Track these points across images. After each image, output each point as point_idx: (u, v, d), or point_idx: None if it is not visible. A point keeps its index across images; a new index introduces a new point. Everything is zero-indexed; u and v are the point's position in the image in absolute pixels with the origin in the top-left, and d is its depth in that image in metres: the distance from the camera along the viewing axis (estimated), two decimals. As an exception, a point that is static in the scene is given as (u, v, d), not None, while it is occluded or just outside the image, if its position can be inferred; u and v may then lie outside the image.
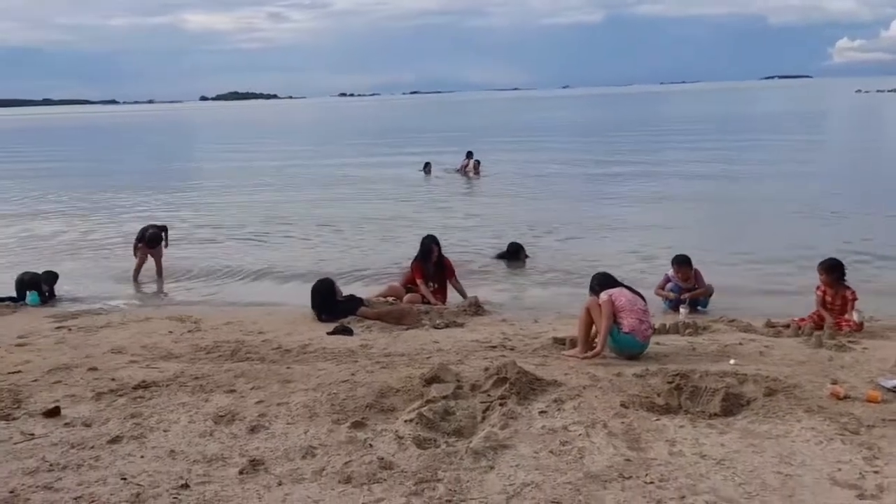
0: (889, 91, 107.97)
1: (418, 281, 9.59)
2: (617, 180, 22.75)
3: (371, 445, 4.55)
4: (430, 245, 9.74)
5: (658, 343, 7.20)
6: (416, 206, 18.73)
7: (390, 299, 9.14)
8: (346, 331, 7.93)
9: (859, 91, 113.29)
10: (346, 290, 9.78)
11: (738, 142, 35.64)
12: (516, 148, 36.87)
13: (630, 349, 6.63)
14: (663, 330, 7.72)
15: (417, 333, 7.85)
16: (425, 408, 5.01)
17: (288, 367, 6.34)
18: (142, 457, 4.51)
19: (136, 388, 5.78)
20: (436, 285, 9.69)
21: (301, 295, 9.38)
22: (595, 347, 6.60)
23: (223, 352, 7.04)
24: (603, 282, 7.10)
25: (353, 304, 8.67)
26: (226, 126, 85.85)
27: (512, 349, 7.06)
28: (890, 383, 5.41)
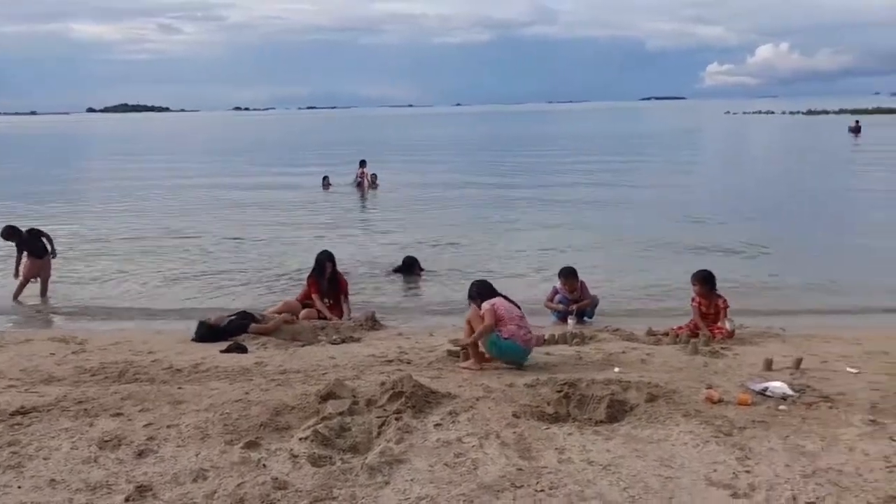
0: (754, 113, 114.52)
1: (314, 296, 9.47)
2: (510, 194, 23.25)
3: (265, 465, 4.42)
4: (324, 261, 9.64)
5: (547, 353, 7.36)
6: (314, 221, 18.50)
7: (285, 315, 8.95)
8: (240, 348, 7.72)
9: (728, 112, 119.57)
10: (239, 305, 9.55)
11: (623, 157, 37.10)
12: (412, 162, 37.07)
13: (513, 354, 6.74)
14: (552, 340, 7.90)
15: (313, 349, 7.73)
16: (321, 425, 4.93)
17: (179, 388, 6.10)
18: (19, 487, 4.23)
19: (13, 414, 5.41)
20: (331, 301, 9.59)
21: (195, 312, 9.09)
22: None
23: (110, 373, 6.72)
24: (481, 289, 7.19)
25: (244, 322, 8.44)
26: (114, 138, 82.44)
27: (408, 363, 7.06)
28: (758, 386, 5.70)
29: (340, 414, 5.13)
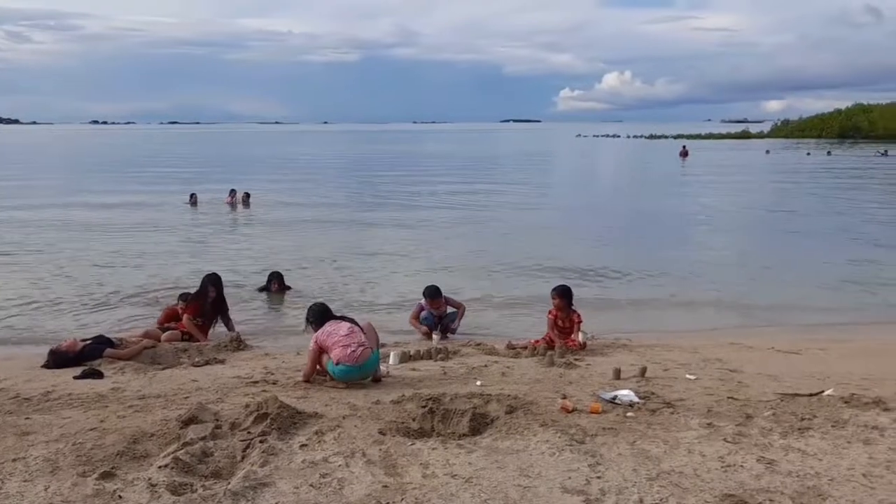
0: (602, 136, 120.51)
1: (186, 316, 9.02)
2: (377, 211, 23.24)
3: (121, 497, 4.14)
4: (207, 285, 9.26)
5: (413, 369, 7.36)
6: (179, 240, 17.71)
7: (146, 341, 8.46)
8: (96, 374, 7.24)
9: (579, 135, 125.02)
10: (100, 329, 8.99)
11: (484, 177, 37.95)
12: (281, 180, 36.31)
13: (349, 376, 6.58)
14: (417, 356, 7.90)
15: (175, 373, 7.36)
16: (181, 451, 4.68)
17: (27, 418, 5.63)
18: None
19: None
20: (202, 321, 9.16)
21: (48, 337, 8.46)
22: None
23: (-51, 405, 6.11)
24: (317, 314, 7.07)
25: (100, 346, 7.92)
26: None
27: (274, 383, 6.84)
28: (608, 395, 5.93)
29: (202, 439, 4.90)
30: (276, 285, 11.87)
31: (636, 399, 5.85)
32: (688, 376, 6.86)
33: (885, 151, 56.49)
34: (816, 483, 4.27)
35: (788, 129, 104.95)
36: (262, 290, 11.94)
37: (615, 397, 5.87)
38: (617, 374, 6.78)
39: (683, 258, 15.13)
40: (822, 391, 6.22)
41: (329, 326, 6.83)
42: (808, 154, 59.11)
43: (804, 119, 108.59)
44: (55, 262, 14.41)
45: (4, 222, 20.40)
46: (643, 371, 6.87)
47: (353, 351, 6.57)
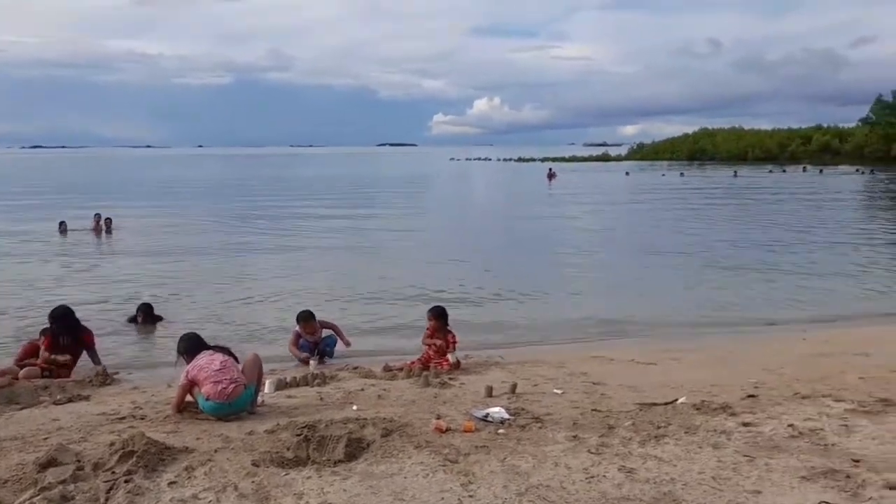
0: (475, 159, 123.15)
1: (43, 350, 8.38)
2: (252, 236, 22.66)
3: (-31, 552, 3.79)
4: (58, 317, 8.61)
5: (289, 396, 7.18)
6: (46, 269, 16.57)
7: (2, 379, 7.79)
8: (-56, 418, 6.60)
9: (453, 159, 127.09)
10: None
11: (362, 201, 37.80)
12: (150, 205, 34.75)
13: (219, 412, 6.30)
14: (294, 383, 7.71)
15: (34, 412, 6.82)
16: (38, 497, 4.35)
17: None
18: None
19: None
20: (68, 357, 8.54)
21: None
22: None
23: None
24: (189, 344, 6.80)
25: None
26: None
27: (143, 418, 6.47)
28: (480, 413, 6.00)
29: (62, 482, 4.57)
30: (141, 317, 11.28)
31: (507, 416, 5.95)
32: (555, 391, 7.06)
33: (735, 173, 60.86)
34: (671, 489, 4.47)
35: (643, 152, 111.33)
36: (130, 320, 11.34)
37: (487, 415, 5.94)
38: (489, 391, 6.88)
39: (553, 276, 15.64)
40: (676, 399, 6.55)
41: (202, 359, 6.54)
42: (663, 175, 62.70)
43: (657, 142, 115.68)
44: None
45: None
46: (514, 388, 7.00)
47: (225, 388, 6.29)
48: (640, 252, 19.52)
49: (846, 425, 5.68)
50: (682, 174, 63.02)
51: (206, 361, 6.51)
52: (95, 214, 23.45)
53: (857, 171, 65.42)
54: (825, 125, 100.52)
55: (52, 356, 8.41)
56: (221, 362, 6.52)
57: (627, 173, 66.12)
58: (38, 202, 36.21)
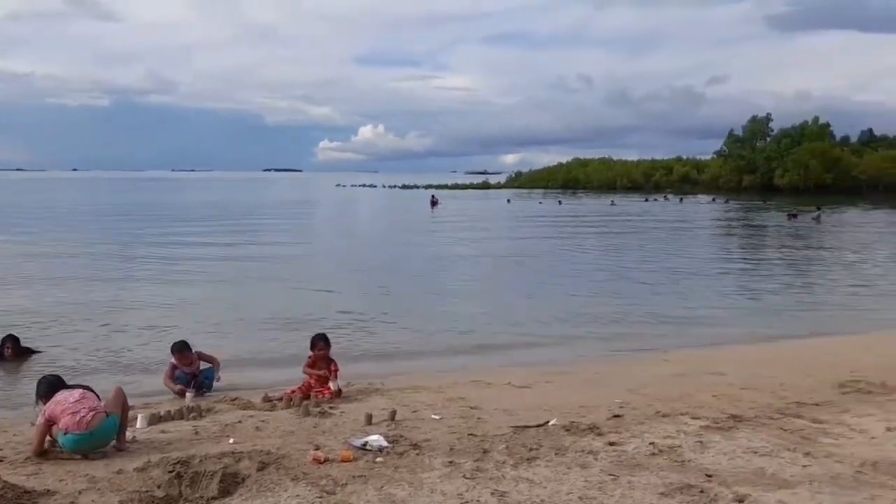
0: (360, 185, 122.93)
1: None
2: (129, 264, 21.58)
3: None
4: None
5: (163, 431, 6.84)
6: None
7: None
8: None
9: (339, 185, 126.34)
10: None
11: (244, 228, 36.79)
12: (19, 231, 32.46)
13: (79, 445, 5.96)
14: (168, 417, 7.35)
15: None
16: None
17: None
18: None
19: None
20: None
21: None
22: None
23: None
24: (47, 386, 6.38)
25: None
26: None
27: (1, 460, 5.97)
28: (359, 442, 5.93)
29: None
30: (9, 349, 10.45)
31: (385, 443, 5.90)
32: (433, 416, 7.08)
33: (613, 202, 63.67)
34: (541, 510, 4.56)
35: (521, 181, 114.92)
36: None
37: (366, 443, 5.88)
38: (368, 419, 6.81)
39: (435, 302, 15.78)
40: (548, 421, 6.72)
41: (60, 395, 6.16)
42: (540, 203, 64.82)
43: (534, 171, 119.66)
44: None
45: None
46: (393, 414, 6.97)
47: (83, 417, 5.94)
48: (523, 277, 20.02)
49: (701, 441, 6.00)
50: (559, 202, 65.33)
51: (63, 397, 6.15)
52: None
53: (713, 199, 70.13)
54: (685, 157, 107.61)
55: None
56: (80, 394, 6.20)
57: (509, 200, 67.98)
58: None
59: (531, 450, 5.76)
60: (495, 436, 6.26)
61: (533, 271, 21.19)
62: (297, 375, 8.93)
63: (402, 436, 6.25)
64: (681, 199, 71.13)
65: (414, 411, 7.35)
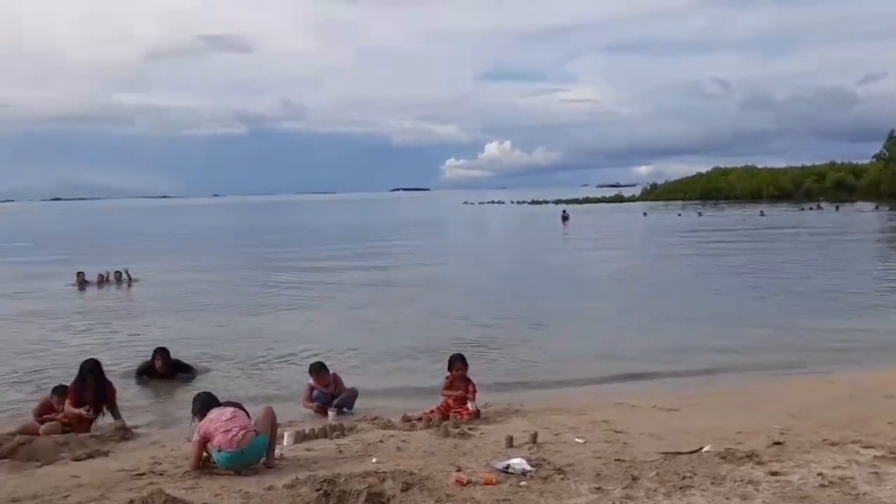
0: (489, 202, 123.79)
1: (69, 404, 8.42)
2: (270, 287, 22.74)
3: None
4: (84, 373, 8.67)
5: (308, 449, 7.13)
6: (65, 323, 16.66)
7: (21, 437, 7.78)
8: (-35, 476, 6.60)
9: (467, 202, 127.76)
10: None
11: (383, 245, 37.95)
12: (169, 256, 35.11)
13: (233, 462, 6.32)
14: (312, 435, 7.66)
15: (54, 469, 6.80)
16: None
17: None
18: None
19: None
20: (90, 410, 8.55)
21: None
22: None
23: None
24: (202, 403, 6.88)
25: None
26: None
27: (161, 474, 6.44)
28: (501, 465, 5.92)
29: (82, 544, 4.55)
30: (160, 361, 11.25)
31: (528, 467, 5.86)
32: (577, 440, 6.96)
33: (762, 212, 60.54)
34: (699, 542, 4.37)
35: (657, 192, 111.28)
36: (142, 370, 11.27)
37: (508, 466, 5.86)
38: (509, 441, 6.79)
39: (573, 321, 15.60)
40: (701, 448, 6.44)
41: (213, 413, 6.60)
42: (679, 215, 62.55)
43: (670, 182, 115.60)
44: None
45: None
46: (534, 437, 6.91)
47: (235, 435, 6.31)
48: (662, 294, 19.38)
49: (876, 473, 5.56)
50: (700, 214, 62.82)
51: (217, 415, 6.57)
52: (116, 272, 23.65)
53: (876, 207, 65.04)
54: (839, 161, 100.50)
55: (79, 409, 8.41)
56: (232, 412, 6.59)
57: (645, 213, 66.07)
58: (56, 255, 36.56)
59: (684, 478, 5.54)
60: (644, 462, 6.08)
61: (676, 290, 20.36)
62: (435, 395, 9.07)
63: (544, 459, 6.18)
64: (837, 208, 66.50)
65: (555, 434, 7.26)
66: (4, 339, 14.58)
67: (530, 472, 5.79)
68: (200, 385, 10.66)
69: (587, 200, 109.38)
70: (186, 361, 11.64)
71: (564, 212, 61.28)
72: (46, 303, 19.97)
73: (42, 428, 8.15)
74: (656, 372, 11.23)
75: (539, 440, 6.89)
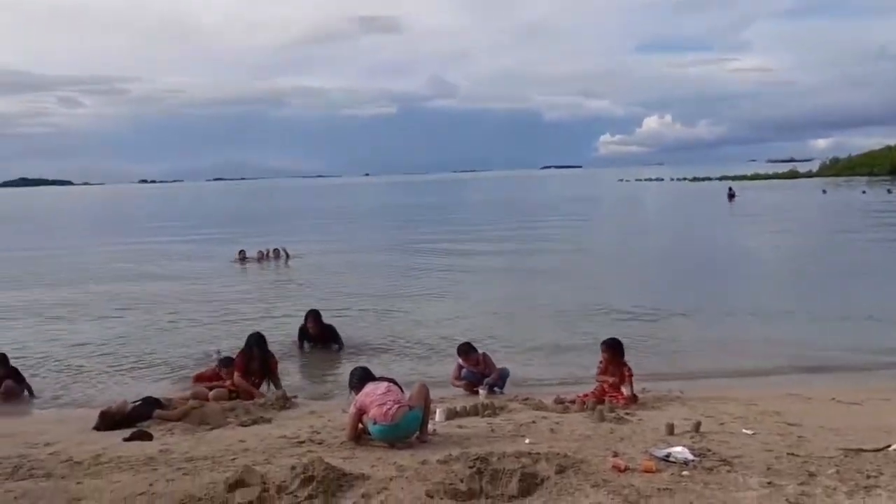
0: (645, 180, 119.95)
1: (237, 374, 9.15)
2: (422, 261, 23.43)
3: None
4: (251, 345, 9.41)
5: (460, 426, 7.29)
6: (227, 297, 17.95)
7: (193, 402, 8.54)
8: (145, 435, 7.32)
9: (622, 180, 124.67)
10: (144, 391, 9.13)
11: (532, 224, 37.88)
12: (325, 232, 36.89)
13: (385, 435, 6.58)
14: (464, 413, 7.82)
15: (222, 433, 7.40)
16: (229, 516, 4.69)
17: (78, 483, 5.69)
18: None
19: None
20: (256, 380, 9.28)
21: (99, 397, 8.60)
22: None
23: (2, 470, 6.21)
24: (358, 377, 7.18)
25: (148, 408, 8.03)
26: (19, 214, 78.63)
27: (320, 443, 6.82)
28: (661, 452, 5.78)
29: (249, 503, 4.91)
30: (311, 322, 11.86)
31: (691, 456, 5.69)
32: (745, 431, 6.67)
33: None
34: (887, 547, 4.08)
35: (838, 168, 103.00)
36: (300, 334, 11.96)
37: (669, 455, 5.71)
38: (670, 429, 6.62)
39: (740, 304, 14.86)
40: (888, 446, 5.97)
41: (368, 387, 6.90)
42: (864, 192, 57.55)
43: (854, 156, 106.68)
44: (105, 324, 14.71)
45: (61, 285, 21.00)
46: (697, 426, 6.69)
47: (389, 409, 6.57)
48: (841, 279, 18.07)
49: None
50: (889, 191, 57.38)
51: (372, 388, 6.87)
52: (275, 249, 25.12)
53: None
54: None
55: (246, 379, 9.12)
56: (386, 387, 6.86)
57: (824, 191, 61.42)
58: (219, 232, 39.37)
59: (869, 477, 5.17)
60: (822, 458, 5.72)
61: (859, 277, 18.77)
62: (588, 377, 8.98)
63: (709, 449, 5.97)
64: None
65: (721, 424, 6.99)
66: (176, 310, 15.91)
67: (693, 461, 5.61)
68: (350, 362, 11.16)
69: (756, 177, 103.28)
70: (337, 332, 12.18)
71: (731, 189, 58.28)
72: (210, 277, 21.58)
73: (211, 394, 8.88)
74: (834, 365, 10.50)
75: (702, 430, 6.66)
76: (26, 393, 9.77)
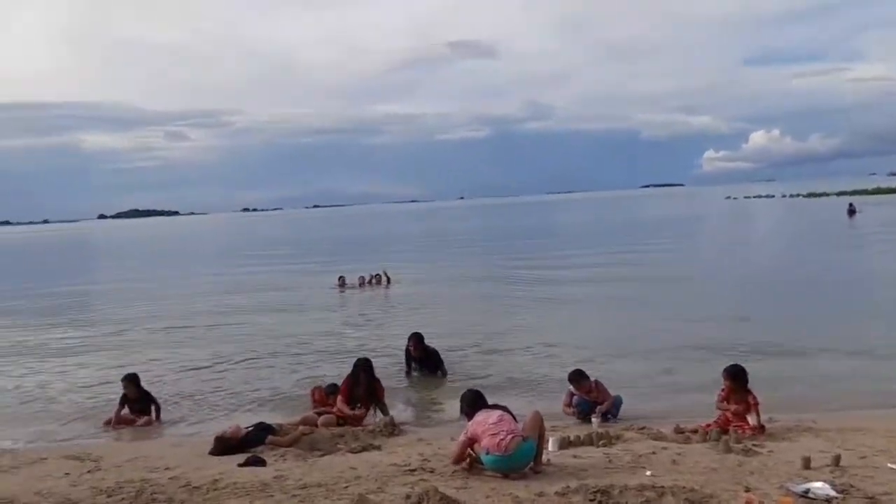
0: (754, 197, 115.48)
1: (340, 400, 9.28)
2: (523, 287, 23.22)
3: None
4: (358, 370, 9.53)
5: (575, 456, 7.13)
6: (329, 323, 18.32)
7: (304, 427, 8.69)
8: (258, 461, 7.48)
9: (729, 198, 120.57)
10: (256, 417, 9.37)
11: (635, 247, 36.96)
12: (422, 257, 37.25)
13: (498, 466, 6.48)
14: (578, 442, 7.66)
15: (333, 460, 7.49)
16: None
17: (198, 508, 5.87)
18: None
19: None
20: (360, 406, 9.39)
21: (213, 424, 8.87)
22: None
23: (126, 494, 6.47)
24: (470, 401, 7.12)
25: (261, 434, 8.23)
26: (122, 243, 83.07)
27: (431, 471, 6.80)
28: (800, 488, 5.46)
29: (367, 532, 4.91)
30: (412, 344, 11.95)
31: (833, 493, 5.36)
32: (890, 466, 6.22)
33: None
34: None
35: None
36: (406, 357, 12.06)
37: (808, 490, 5.41)
38: (806, 463, 6.25)
39: (871, 329, 14.00)
40: None
41: (480, 415, 6.82)
42: None
43: None
44: (213, 350, 15.18)
45: (172, 316, 21.97)
46: (837, 459, 6.29)
47: (502, 439, 6.47)
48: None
49: None
50: None
51: (484, 417, 6.78)
52: (376, 275, 25.45)
53: None
54: None
55: (351, 410, 9.21)
56: (499, 416, 6.75)
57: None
58: (318, 257, 40.34)
59: None
60: (984, 497, 5.27)
61: None
62: (708, 406, 8.60)
63: (852, 485, 5.61)
64: None
65: (861, 457, 6.55)
66: (282, 335, 16.31)
67: (836, 498, 5.29)
68: (455, 389, 11.10)
69: (879, 191, 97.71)
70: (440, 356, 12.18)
71: (851, 205, 55.42)
72: (313, 303, 22.08)
73: (320, 420, 9.03)
74: None
75: (842, 463, 6.26)
76: (153, 415, 10.16)
